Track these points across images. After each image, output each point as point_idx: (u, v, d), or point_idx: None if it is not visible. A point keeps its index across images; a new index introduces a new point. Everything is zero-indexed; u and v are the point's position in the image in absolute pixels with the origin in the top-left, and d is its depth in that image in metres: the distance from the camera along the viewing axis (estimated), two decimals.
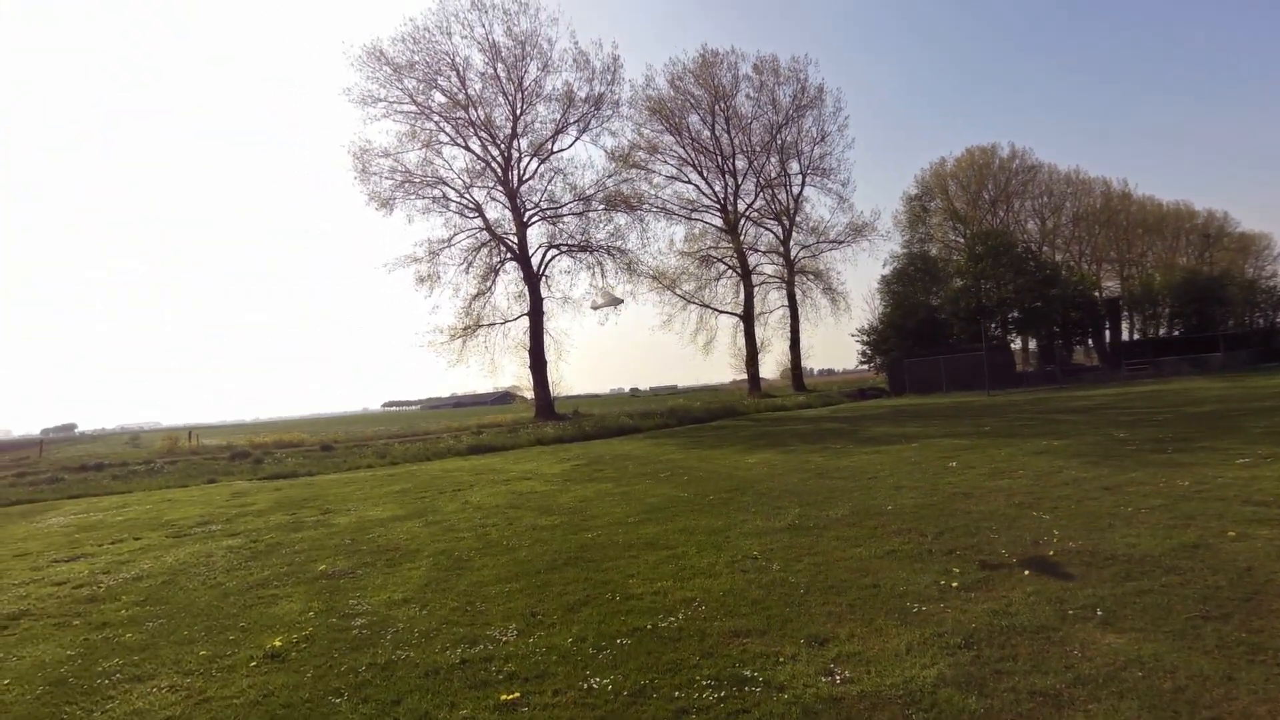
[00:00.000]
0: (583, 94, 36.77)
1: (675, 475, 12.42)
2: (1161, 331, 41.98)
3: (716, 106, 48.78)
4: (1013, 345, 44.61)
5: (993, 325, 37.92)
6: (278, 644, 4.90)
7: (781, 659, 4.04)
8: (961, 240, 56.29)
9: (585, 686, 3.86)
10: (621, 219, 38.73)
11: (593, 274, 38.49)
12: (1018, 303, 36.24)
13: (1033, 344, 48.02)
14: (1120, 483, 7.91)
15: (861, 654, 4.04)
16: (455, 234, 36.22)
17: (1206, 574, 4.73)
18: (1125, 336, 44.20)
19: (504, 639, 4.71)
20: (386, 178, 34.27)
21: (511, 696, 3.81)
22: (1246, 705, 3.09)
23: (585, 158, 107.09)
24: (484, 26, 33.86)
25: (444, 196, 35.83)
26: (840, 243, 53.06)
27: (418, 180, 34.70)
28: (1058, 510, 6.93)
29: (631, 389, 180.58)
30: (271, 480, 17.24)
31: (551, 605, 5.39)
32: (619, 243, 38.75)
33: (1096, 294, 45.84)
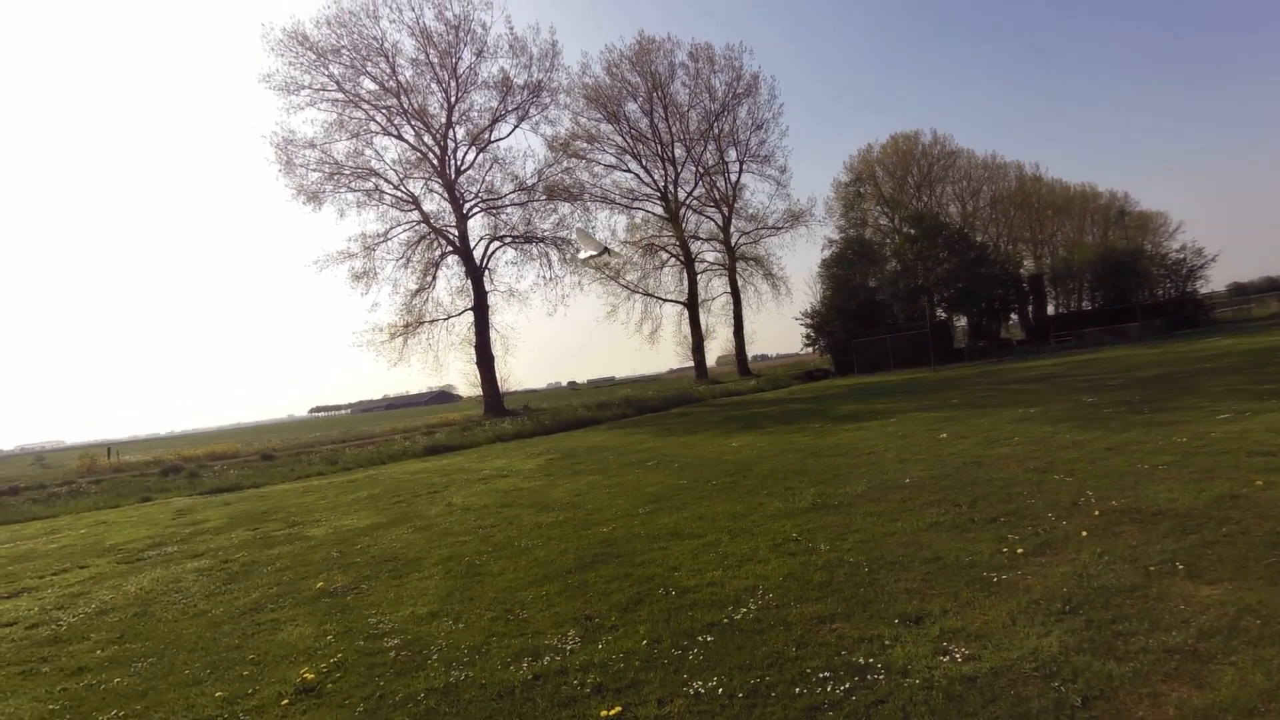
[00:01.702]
0: (520, 81, 35.84)
1: (664, 464, 12.13)
2: (1082, 305, 44.80)
3: (654, 95, 48.56)
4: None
5: (929, 304, 39.39)
6: (308, 676, 4.32)
7: (886, 641, 3.81)
8: (890, 224, 58.30)
9: (690, 692, 3.52)
10: (565, 209, 38.07)
11: (540, 265, 37.68)
12: (952, 282, 37.77)
13: (961, 321, 50.26)
14: (1120, 443, 8.13)
15: (966, 629, 3.85)
16: (392, 228, 34.75)
17: (1260, 521, 4.80)
18: (1049, 311, 46.98)
19: (567, 648, 4.30)
20: (314, 170, 32.44)
21: (612, 712, 3.42)
22: None
23: (525, 147, 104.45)
24: (414, 10, 32.49)
25: (377, 189, 34.25)
26: (779, 229, 54.12)
27: (348, 172, 33.00)
28: (1076, 472, 7.02)
29: (570, 383, 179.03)
30: (216, 495, 15.95)
31: (602, 606, 5.00)
32: (564, 233, 38.06)
33: (1021, 271, 48.38)
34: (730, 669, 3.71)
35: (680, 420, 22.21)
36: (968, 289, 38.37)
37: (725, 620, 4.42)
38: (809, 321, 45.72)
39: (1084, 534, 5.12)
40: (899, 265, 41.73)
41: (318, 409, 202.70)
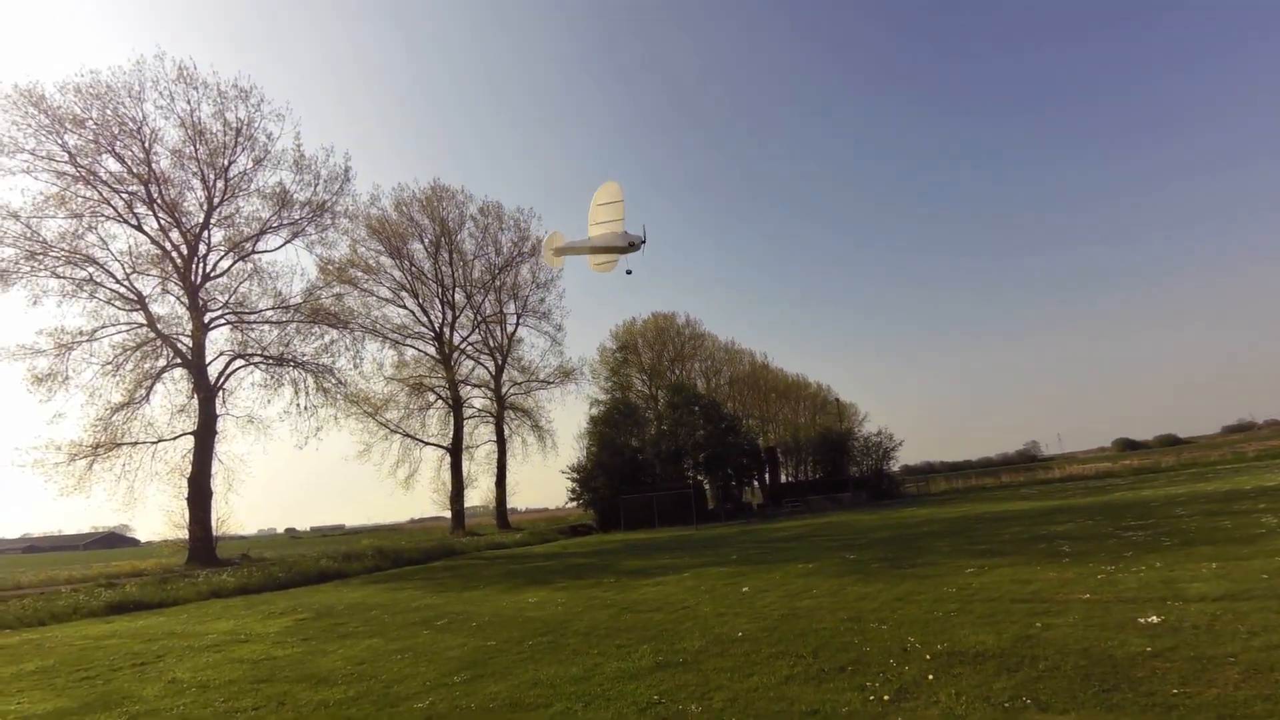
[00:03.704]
0: (302, 198, 33.75)
1: (457, 623, 10.70)
2: (806, 475, 52.25)
3: (442, 239, 49.08)
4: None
5: (686, 466, 42.61)
6: None
7: None
8: (648, 391, 63.62)
9: None
10: (333, 334, 35.02)
11: (295, 390, 33.39)
12: (706, 447, 41.62)
13: (705, 484, 54.96)
14: (904, 594, 9.15)
15: None
16: (102, 327, 28.59)
17: (1061, 657, 5.60)
18: (782, 479, 53.85)
19: None
20: (9, 245, 26.07)
21: None
22: None
23: (294, 264, 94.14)
24: (189, 103, 29.54)
25: (92, 280, 28.40)
26: (550, 383, 55.51)
27: (57, 255, 27.05)
28: (886, 620, 7.67)
29: (288, 529, 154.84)
30: None
31: None
32: (329, 359, 34.70)
33: (759, 443, 55.27)
34: None
35: (450, 574, 20.14)
36: (718, 455, 42.49)
37: None
38: (575, 476, 46.25)
39: (930, 677, 5.49)
40: (662, 428, 45.01)
41: None
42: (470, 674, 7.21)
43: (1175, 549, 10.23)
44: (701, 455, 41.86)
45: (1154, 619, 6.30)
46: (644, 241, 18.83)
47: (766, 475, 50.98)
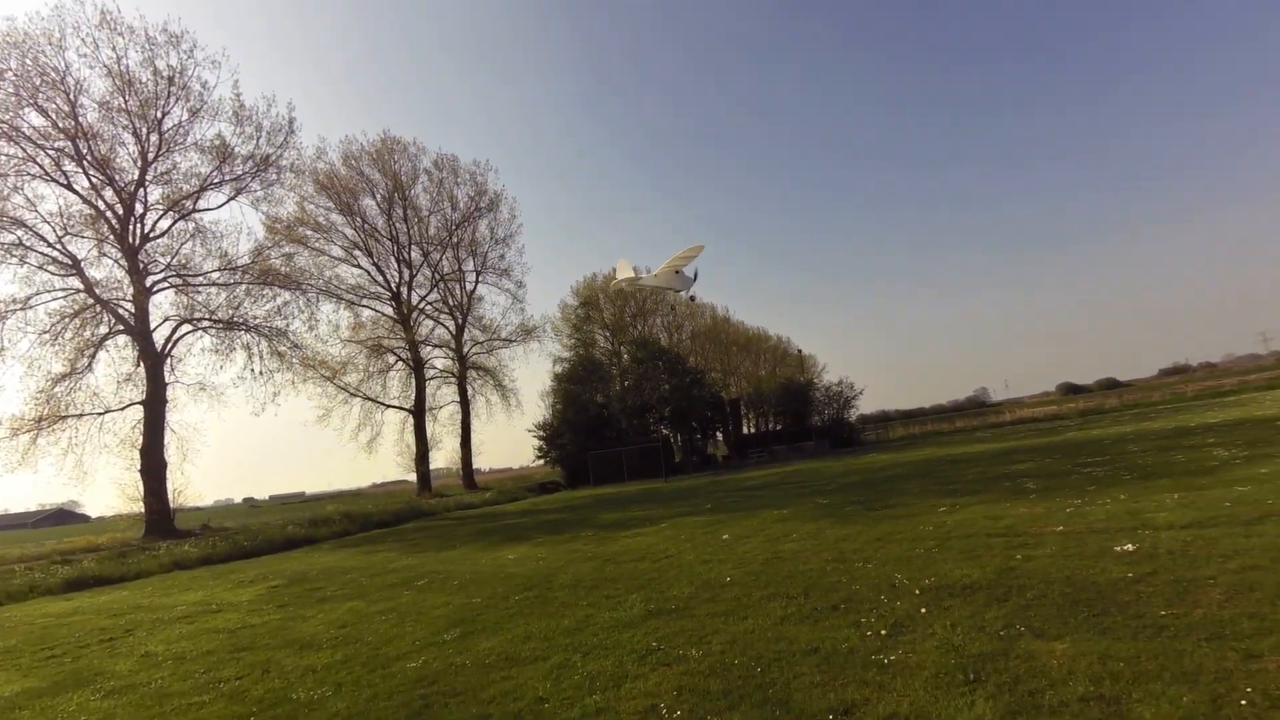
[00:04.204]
0: (245, 151, 31.90)
1: (438, 582, 10.60)
2: (769, 426, 53.28)
3: (395, 195, 47.27)
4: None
5: (651, 420, 42.89)
6: None
7: None
8: (610, 347, 63.46)
9: None
10: (286, 296, 33.68)
11: (248, 355, 32.18)
12: (671, 401, 41.86)
13: (672, 438, 55.52)
14: (881, 534, 9.35)
15: (899, 713, 3.83)
16: (37, 294, 26.89)
17: (1046, 586, 5.77)
18: (745, 430, 54.79)
19: None
20: None
21: None
22: (1233, 664, 3.74)
23: (240, 222, 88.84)
24: (114, 50, 27.32)
25: (21, 244, 26.55)
26: (512, 341, 54.92)
27: None
28: (869, 559, 7.82)
29: (246, 499, 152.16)
30: None
31: None
32: (281, 322, 33.44)
33: (723, 395, 55.88)
34: None
35: (423, 535, 19.98)
36: (683, 408, 42.83)
37: None
38: (542, 434, 46.13)
39: (923, 610, 5.60)
40: (626, 383, 45.03)
41: None
42: (460, 631, 7.13)
43: (1135, 482, 10.68)
44: (667, 409, 42.13)
45: (1129, 547, 6.54)
46: (695, 280, 25.21)
47: (730, 427, 51.77)
